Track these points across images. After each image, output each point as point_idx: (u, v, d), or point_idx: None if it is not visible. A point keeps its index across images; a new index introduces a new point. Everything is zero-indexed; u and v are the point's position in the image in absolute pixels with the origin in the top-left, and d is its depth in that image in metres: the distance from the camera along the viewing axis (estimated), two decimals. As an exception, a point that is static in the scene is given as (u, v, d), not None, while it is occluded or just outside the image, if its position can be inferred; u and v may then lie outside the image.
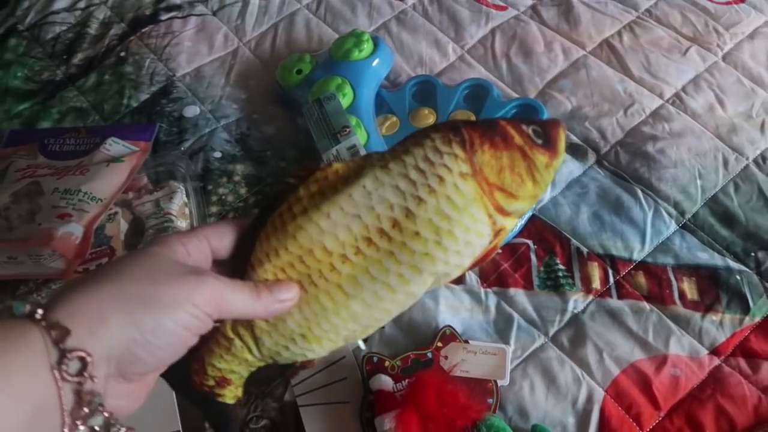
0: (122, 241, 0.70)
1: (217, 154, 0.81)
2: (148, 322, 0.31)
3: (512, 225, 0.37)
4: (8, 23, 1.00)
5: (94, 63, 0.93)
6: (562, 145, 0.37)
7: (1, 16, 1.02)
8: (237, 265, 0.38)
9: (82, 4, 1.01)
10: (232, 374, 0.38)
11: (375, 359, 0.64)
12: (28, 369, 0.28)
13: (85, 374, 0.29)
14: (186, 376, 0.38)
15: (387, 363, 0.63)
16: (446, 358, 0.63)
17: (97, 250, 0.68)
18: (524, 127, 0.36)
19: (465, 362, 0.63)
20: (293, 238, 0.36)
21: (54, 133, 0.80)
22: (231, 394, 0.39)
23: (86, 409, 0.30)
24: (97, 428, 0.30)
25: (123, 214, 0.72)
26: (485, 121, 0.37)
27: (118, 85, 0.90)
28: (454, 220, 0.34)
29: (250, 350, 0.38)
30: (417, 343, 0.65)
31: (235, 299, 0.34)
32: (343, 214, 0.35)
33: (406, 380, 0.62)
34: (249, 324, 0.37)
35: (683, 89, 0.82)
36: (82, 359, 0.29)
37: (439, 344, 0.64)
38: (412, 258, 0.35)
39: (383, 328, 0.67)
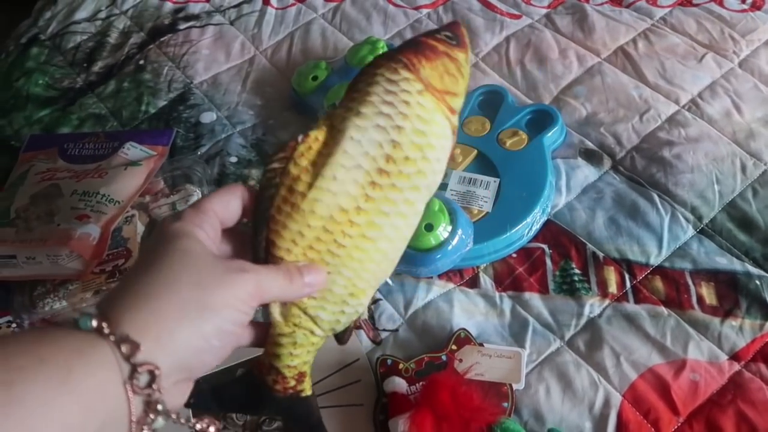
0: (139, 243, 0.70)
1: (233, 159, 0.82)
2: (210, 329, 0.32)
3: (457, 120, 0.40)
4: (30, 33, 1.02)
5: (114, 71, 0.95)
6: (467, 38, 0.42)
7: (23, 26, 1.05)
8: (252, 230, 0.38)
9: (102, 15, 1.03)
10: (305, 365, 0.40)
11: (389, 362, 0.63)
12: (100, 384, 0.29)
13: (154, 386, 0.30)
14: (265, 394, 0.39)
15: (401, 366, 0.63)
16: (461, 361, 0.63)
17: (113, 251, 0.68)
18: (439, 35, 0.40)
19: (480, 365, 0.63)
20: (312, 213, 0.36)
21: (73, 138, 0.81)
22: (308, 385, 0.41)
23: (152, 416, 0.30)
24: (158, 429, 0.31)
25: (139, 216, 0.72)
26: (407, 42, 0.40)
27: (137, 92, 0.91)
28: (428, 132, 0.38)
29: (312, 332, 0.39)
30: (431, 346, 0.65)
31: (272, 287, 0.35)
32: (346, 170, 0.36)
33: (420, 383, 0.61)
34: (299, 310, 0.38)
35: (699, 95, 0.82)
36: (151, 372, 0.30)
37: (454, 347, 0.64)
38: (410, 180, 0.37)
39: (397, 330, 0.66)
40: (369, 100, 0.37)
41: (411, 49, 0.39)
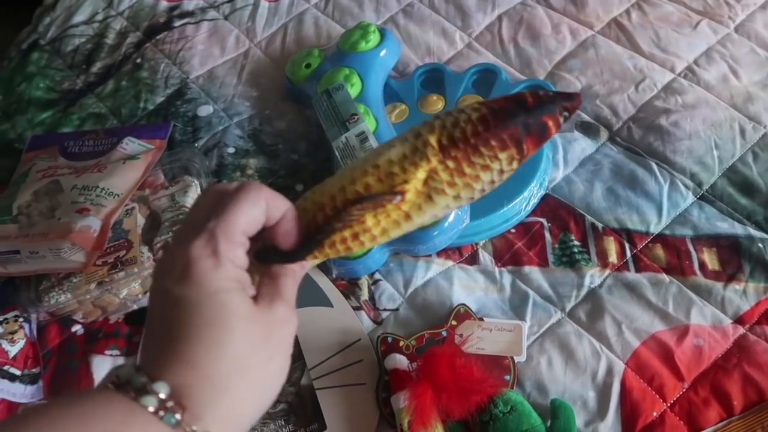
0: (139, 235, 0.71)
1: (231, 150, 0.82)
2: (270, 394, 0.33)
3: None
4: (30, 39, 1.04)
5: (112, 71, 0.96)
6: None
7: (24, 33, 1.06)
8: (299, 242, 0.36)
9: (99, 17, 1.04)
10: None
11: (389, 340, 0.63)
12: None
13: None
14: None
15: (402, 343, 0.63)
16: (461, 336, 0.63)
17: (115, 243, 0.69)
18: (558, 113, 0.36)
19: (480, 340, 0.63)
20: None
21: (73, 136, 0.82)
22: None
23: None
24: None
25: (140, 209, 0.73)
26: (532, 112, 0.35)
27: (135, 90, 0.92)
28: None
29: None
30: (432, 323, 0.65)
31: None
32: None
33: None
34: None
35: (695, 62, 0.81)
36: None
37: (454, 322, 0.64)
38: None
39: (398, 309, 0.66)
40: (472, 186, 0.36)
41: (534, 135, 0.35)
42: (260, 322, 0.32)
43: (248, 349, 0.31)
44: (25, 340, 0.67)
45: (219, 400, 0.30)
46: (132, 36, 1.00)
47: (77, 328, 0.69)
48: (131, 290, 0.69)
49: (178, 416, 0.28)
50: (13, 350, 0.66)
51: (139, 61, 0.96)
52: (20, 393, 0.64)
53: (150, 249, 0.70)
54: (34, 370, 0.66)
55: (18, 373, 0.65)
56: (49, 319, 0.69)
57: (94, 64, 0.97)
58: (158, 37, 0.99)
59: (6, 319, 0.68)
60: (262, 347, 0.32)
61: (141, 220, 0.72)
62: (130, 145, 0.78)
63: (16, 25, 1.10)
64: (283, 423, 0.61)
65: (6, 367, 0.65)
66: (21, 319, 0.68)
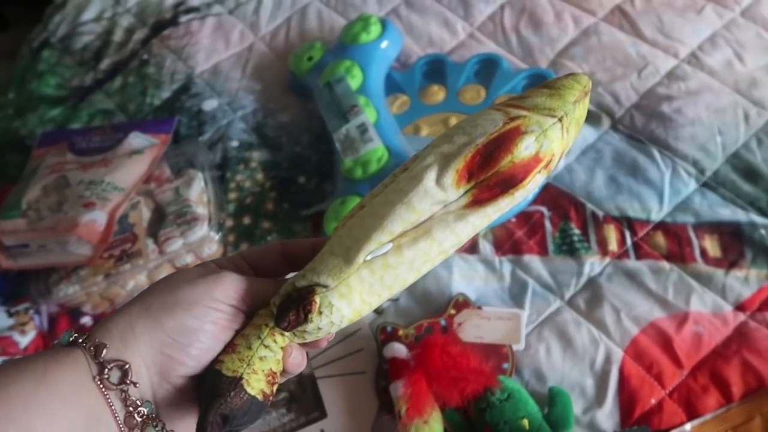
0: (145, 228, 0.72)
1: (235, 143, 0.84)
2: (172, 323, 0.32)
3: None
4: (41, 37, 1.06)
5: (120, 67, 0.97)
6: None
7: (35, 32, 1.08)
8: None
9: (108, 14, 1.06)
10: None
11: (389, 329, 0.64)
12: (75, 382, 0.31)
13: (127, 381, 0.31)
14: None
15: (401, 332, 0.64)
16: (460, 324, 0.63)
17: (121, 237, 0.71)
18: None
19: (479, 328, 0.63)
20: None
21: (81, 132, 0.84)
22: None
23: (138, 418, 0.32)
24: None
25: (145, 202, 0.74)
26: None
27: (142, 86, 0.94)
28: None
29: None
30: (431, 312, 0.65)
31: (260, 289, 0.35)
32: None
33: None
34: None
35: (699, 47, 0.80)
36: (121, 368, 0.31)
37: (452, 311, 0.64)
38: None
39: (398, 299, 0.67)
40: (485, 214, 0.34)
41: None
42: (190, 273, 0.34)
43: (158, 286, 0.34)
44: (35, 331, 0.69)
45: (110, 318, 0.33)
46: (139, 32, 1.02)
47: (86, 320, 0.71)
48: (138, 282, 0.71)
49: (74, 335, 0.32)
50: (24, 341, 0.68)
51: (145, 57, 0.97)
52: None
53: (155, 242, 0.71)
54: (44, 360, 0.68)
55: (29, 363, 0.67)
56: (59, 311, 0.71)
57: (102, 61, 0.99)
58: (164, 33, 1.00)
59: (17, 310, 0.70)
60: (168, 288, 0.34)
61: (146, 214, 0.74)
62: (136, 139, 0.79)
63: (30, 24, 1.12)
64: (284, 411, 0.62)
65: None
66: (32, 311, 0.70)
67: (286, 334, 0.33)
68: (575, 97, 0.34)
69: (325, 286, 0.33)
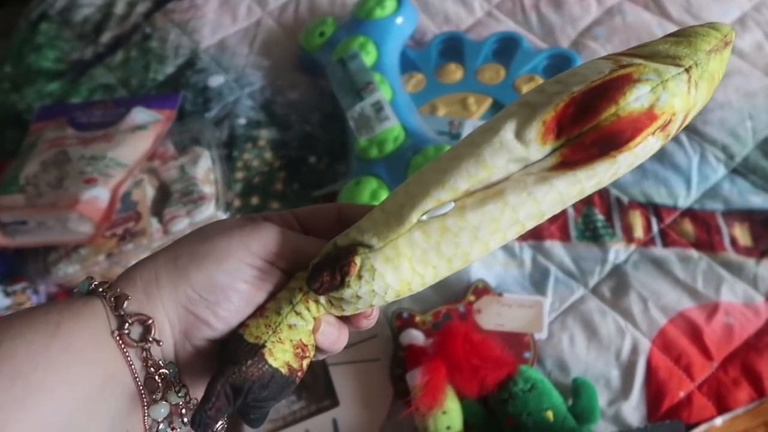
0: (149, 207, 0.69)
1: (242, 121, 0.80)
2: (199, 277, 0.28)
3: None
4: (39, 9, 1.02)
5: (121, 41, 0.94)
6: None
7: (33, 4, 1.04)
8: None
9: (108, -14, 1.02)
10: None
11: (405, 315, 0.61)
12: (91, 337, 0.27)
13: (150, 338, 0.28)
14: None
15: (418, 318, 0.61)
16: (480, 311, 0.61)
17: (124, 215, 0.67)
18: None
19: (500, 316, 0.60)
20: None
21: (82, 107, 0.80)
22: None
23: (159, 380, 0.28)
24: (179, 403, 0.29)
25: (149, 180, 0.71)
26: None
27: (144, 61, 0.90)
28: None
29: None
30: (449, 298, 0.62)
31: (304, 246, 0.30)
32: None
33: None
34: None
35: (728, 29, 0.77)
36: (143, 323, 0.28)
37: (472, 298, 0.61)
38: None
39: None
40: (576, 179, 0.27)
41: None
42: (226, 221, 0.31)
43: (188, 236, 0.30)
44: (33, 312, 0.66)
45: (134, 267, 0.30)
46: (141, 5, 0.98)
47: (86, 301, 0.68)
48: (141, 263, 0.68)
49: (95, 283, 0.29)
50: (21, 322, 0.65)
51: (148, 30, 0.94)
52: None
53: (159, 221, 0.68)
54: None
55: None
56: (57, 291, 0.68)
57: (103, 35, 0.95)
58: (168, 6, 0.96)
59: (14, 290, 0.67)
60: (200, 238, 0.30)
61: (150, 192, 0.71)
62: (139, 114, 0.76)
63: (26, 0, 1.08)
64: (294, 399, 0.60)
65: (14, 339, 0.64)
66: (29, 291, 0.67)
67: (322, 301, 0.28)
68: (711, 45, 0.27)
69: (369, 246, 0.27)
